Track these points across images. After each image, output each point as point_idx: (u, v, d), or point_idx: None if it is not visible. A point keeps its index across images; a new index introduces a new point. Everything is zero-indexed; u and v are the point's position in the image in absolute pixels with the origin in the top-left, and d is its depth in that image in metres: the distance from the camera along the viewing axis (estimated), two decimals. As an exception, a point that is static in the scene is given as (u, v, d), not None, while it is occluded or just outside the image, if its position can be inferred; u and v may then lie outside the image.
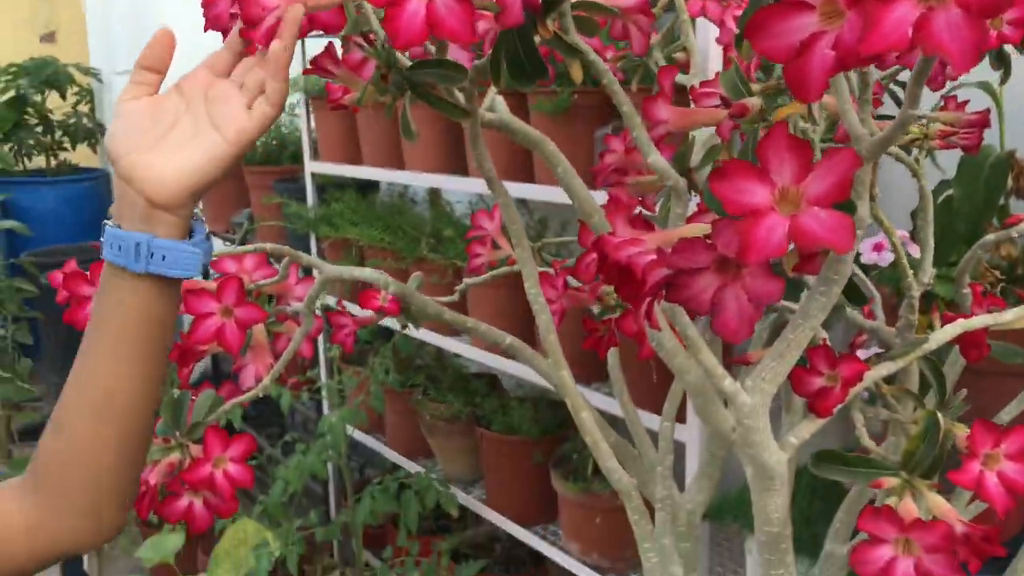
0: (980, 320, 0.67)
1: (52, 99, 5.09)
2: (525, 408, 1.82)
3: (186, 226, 0.63)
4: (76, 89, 5.14)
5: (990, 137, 1.17)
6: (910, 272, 0.73)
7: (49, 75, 4.96)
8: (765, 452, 0.65)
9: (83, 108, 5.22)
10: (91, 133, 5.20)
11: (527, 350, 0.97)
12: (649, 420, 1.16)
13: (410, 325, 1.08)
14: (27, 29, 6.57)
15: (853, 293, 0.70)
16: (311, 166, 2.31)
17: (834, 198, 0.43)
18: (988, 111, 0.98)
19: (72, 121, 5.14)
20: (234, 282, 0.82)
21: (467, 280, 1.17)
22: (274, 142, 2.93)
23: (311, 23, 0.64)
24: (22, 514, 0.64)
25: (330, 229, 2.10)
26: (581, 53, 0.60)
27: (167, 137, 0.62)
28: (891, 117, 0.95)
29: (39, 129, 5.04)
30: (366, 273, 0.94)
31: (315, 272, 0.93)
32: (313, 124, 2.29)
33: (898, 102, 1.03)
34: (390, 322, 2.02)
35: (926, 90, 0.71)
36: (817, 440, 0.70)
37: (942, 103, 1.04)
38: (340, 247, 2.16)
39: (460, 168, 1.82)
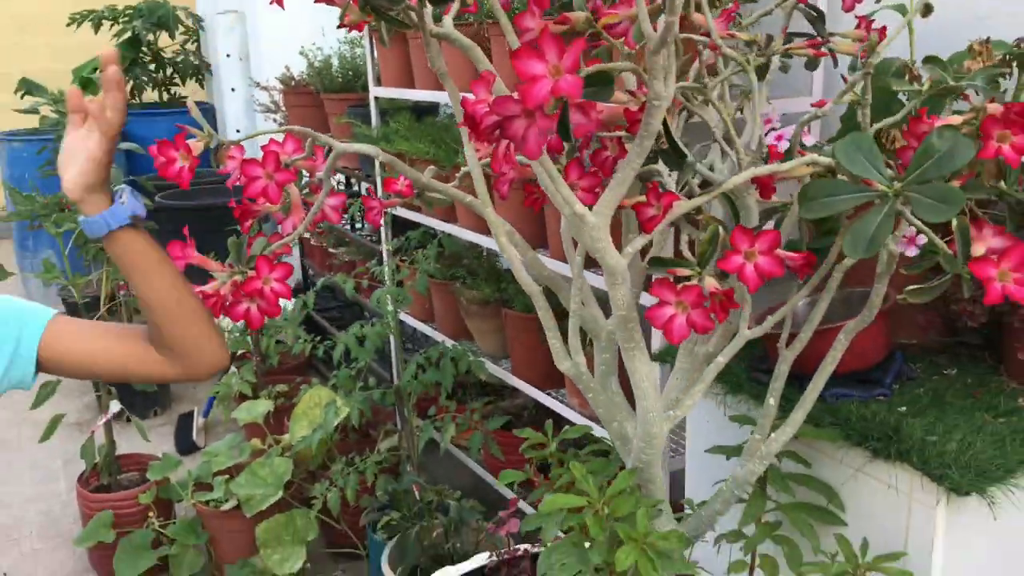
0: (766, 168, 0.97)
1: (163, 39, 5.59)
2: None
3: (98, 203, 1.07)
4: (183, 29, 5.62)
5: (903, 51, 1.42)
6: (740, 148, 1.03)
7: (160, 17, 5.44)
8: (609, 256, 0.98)
9: (190, 47, 5.72)
10: (197, 69, 5.70)
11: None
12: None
13: (446, 228, 1.42)
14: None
15: (671, 157, 1.00)
16: (374, 91, 2.67)
17: (574, 69, 0.74)
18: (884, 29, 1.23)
19: (180, 59, 5.65)
20: (273, 155, 1.18)
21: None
22: (350, 72, 3.30)
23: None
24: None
25: (387, 144, 2.45)
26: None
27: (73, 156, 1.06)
28: (805, 34, 1.22)
29: (152, 66, 5.56)
30: (364, 148, 1.28)
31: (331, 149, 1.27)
32: (376, 55, 2.64)
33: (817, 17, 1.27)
34: (435, 223, 2.37)
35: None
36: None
37: (858, 24, 1.30)
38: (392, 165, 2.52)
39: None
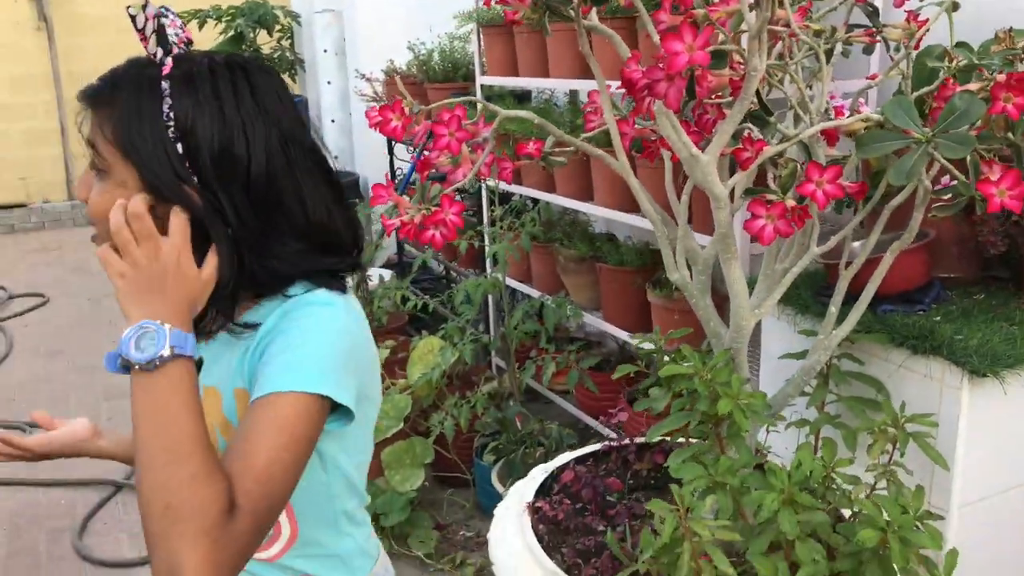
0: (832, 123, 1.32)
1: (261, 36, 6.08)
2: (631, 249, 2.53)
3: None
4: (280, 27, 6.11)
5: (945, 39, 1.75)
6: (812, 111, 1.39)
7: (260, 15, 5.93)
8: (715, 187, 1.34)
9: (285, 43, 6.20)
10: (291, 64, 6.18)
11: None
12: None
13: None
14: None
15: (760, 116, 1.36)
16: (481, 79, 3.06)
17: (704, 47, 1.10)
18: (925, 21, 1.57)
19: (277, 54, 6.14)
20: (455, 118, 1.57)
21: (583, 135, 1.87)
22: (449, 64, 3.70)
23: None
24: None
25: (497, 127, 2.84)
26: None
27: None
28: (863, 25, 1.57)
29: (252, 62, 6.06)
30: (524, 114, 1.65)
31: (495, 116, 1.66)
32: (483, 47, 3.03)
33: (873, 11, 1.61)
34: (538, 193, 2.74)
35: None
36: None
37: (906, 17, 1.64)
38: (499, 141, 2.91)
39: (590, 73, 2.51)
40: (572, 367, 2.59)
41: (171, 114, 0.90)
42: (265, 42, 6.10)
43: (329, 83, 5.40)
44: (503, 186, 3.01)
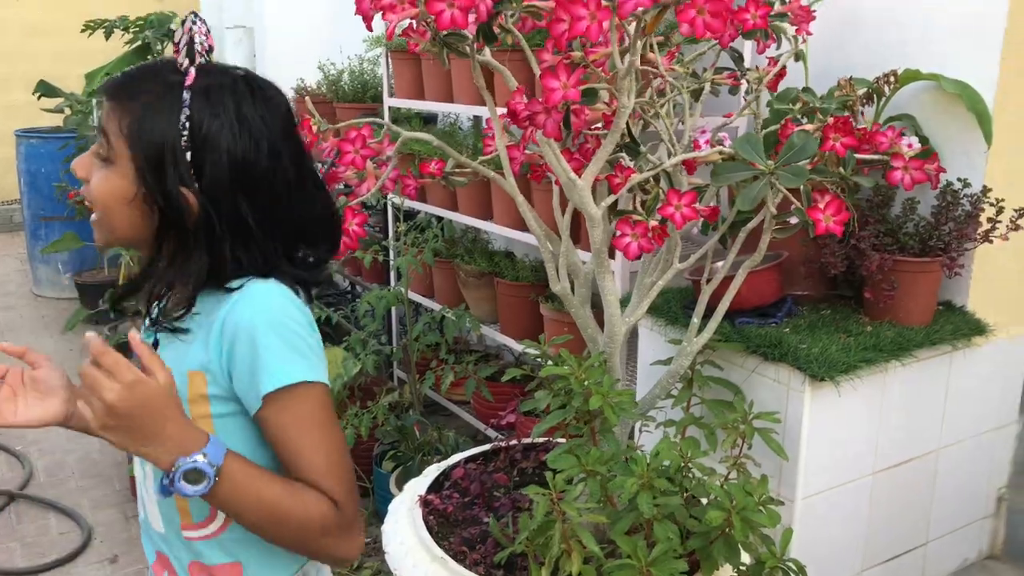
0: (690, 154, 1.51)
1: (169, 48, 6.05)
2: (527, 266, 2.70)
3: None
4: (189, 41, 6.09)
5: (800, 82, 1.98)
6: (676, 145, 1.57)
7: (169, 28, 5.91)
8: (590, 207, 1.51)
9: (195, 57, 6.18)
10: (200, 79, 6.16)
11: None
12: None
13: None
14: (141, -14, 7.54)
15: (631, 147, 1.54)
16: (388, 101, 3.19)
17: (576, 85, 1.26)
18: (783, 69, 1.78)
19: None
20: (361, 137, 1.70)
21: (481, 158, 2.02)
22: (358, 85, 3.82)
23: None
24: None
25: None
26: (508, 32, 1.45)
27: None
28: (730, 68, 1.77)
29: (160, 74, 6.01)
30: (423, 135, 1.79)
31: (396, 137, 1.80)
32: (391, 70, 3.16)
33: (738, 57, 1.82)
34: (441, 211, 2.87)
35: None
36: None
37: (767, 62, 1.85)
38: (406, 159, 3.05)
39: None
40: (470, 377, 2.73)
41: (187, 123, 0.98)
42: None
43: (239, 98, 5.42)
44: (408, 203, 3.14)
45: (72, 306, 4.98)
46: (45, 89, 5.58)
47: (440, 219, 3.03)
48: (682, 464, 1.50)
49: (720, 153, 1.52)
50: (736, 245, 1.66)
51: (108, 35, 5.91)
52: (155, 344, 1.04)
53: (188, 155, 0.98)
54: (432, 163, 1.93)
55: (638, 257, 1.46)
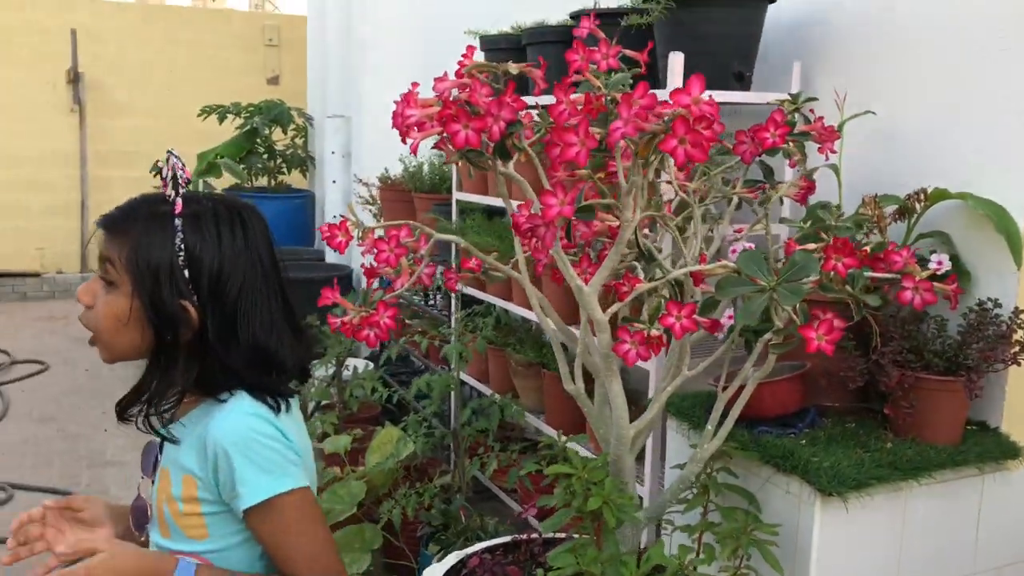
0: (696, 267, 1.56)
1: (276, 133, 6.49)
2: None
3: None
4: (294, 127, 6.52)
5: (834, 196, 2.01)
6: (688, 258, 1.64)
7: (276, 114, 6.35)
8: (596, 313, 1.58)
9: (298, 142, 6.61)
10: (302, 161, 6.57)
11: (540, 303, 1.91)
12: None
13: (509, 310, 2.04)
14: (258, 73, 8.15)
15: (647, 257, 1.61)
16: (456, 195, 3.36)
17: (571, 203, 1.35)
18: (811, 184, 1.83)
19: (290, 152, 6.54)
20: (395, 237, 1.83)
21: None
22: (436, 177, 4.02)
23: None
24: None
25: (464, 236, 3.12)
26: (521, 150, 1.56)
27: None
28: (758, 181, 1.83)
29: (265, 156, 6.45)
30: (451, 237, 1.91)
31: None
32: (459, 166, 3.34)
33: (767, 171, 1.87)
34: (497, 300, 2.98)
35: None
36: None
37: (800, 176, 1.91)
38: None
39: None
40: (513, 464, 2.78)
41: (182, 245, 1.15)
42: (279, 139, 6.50)
43: (334, 182, 5.76)
44: (470, 291, 3.27)
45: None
46: (159, 169, 6.06)
47: (494, 308, 3.13)
48: (679, 570, 1.52)
49: (724, 267, 1.57)
50: (753, 355, 1.69)
51: (221, 120, 6.41)
52: (162, 446, 1.23)
53: (185, 272, 1.14)
54: (472, 260, 2.04)
55: (636, 363, 1.51)
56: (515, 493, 3.16)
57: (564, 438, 1.80)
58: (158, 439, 1.25)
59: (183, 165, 1.23)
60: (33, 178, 7.52)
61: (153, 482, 1.29)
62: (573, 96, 1.37)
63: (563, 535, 2.03)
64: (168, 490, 1.22)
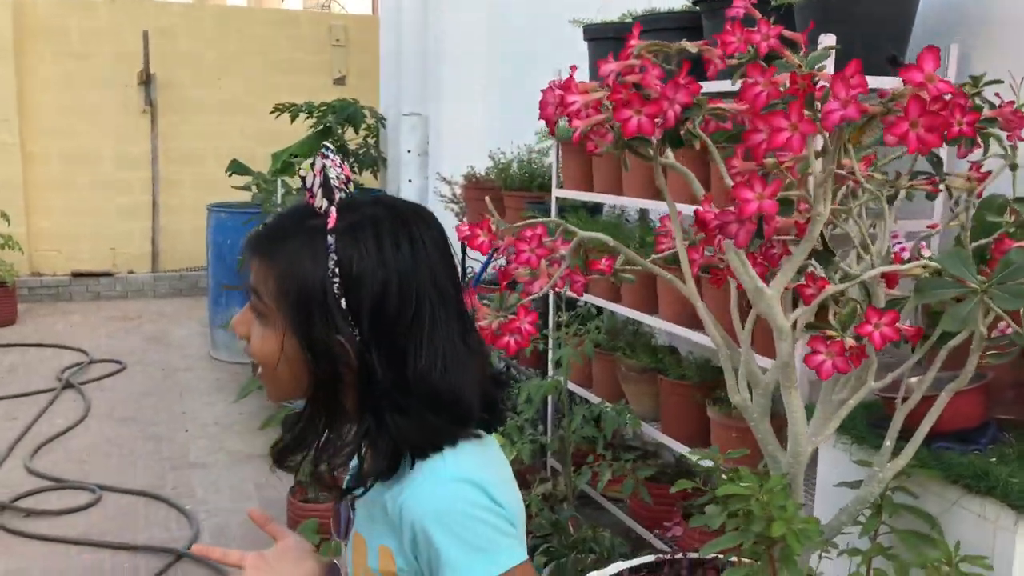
0: (892, 267, 1.40)
1: (348, 133, 6.42)
2: (692, 364, 2.61)
3: None
4: (366, 126, 6.45)
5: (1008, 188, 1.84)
6: (873, 252, 1.48)
7: (349, 114, 6.28)
8: (778, 319, 1.43)
9: (370, 141, 6.54)
10: (374, 161, 6.50)
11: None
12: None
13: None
14: (324, 73, 8.13)
15: (823, 255, 1.45)
16: (556, 192, 3.22)
17: (773, 196, 1.21)
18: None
19: (362, 151, 6.46)
20: (536, 237, 1.70)
21: (654, 256, 1.98)
22: (526, 174, 3.89)
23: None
24: None
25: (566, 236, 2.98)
26: (696, 137, 1.42)
27: None
28: (928, 173, 1.67)
29: (339, 155, 6.37)
30: (600, 236, 1.77)
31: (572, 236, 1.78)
32: (560, 161, 3.20)
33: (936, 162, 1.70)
34: (603, 303, 2.84)
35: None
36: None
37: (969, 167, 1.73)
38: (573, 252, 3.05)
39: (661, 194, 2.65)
40: (628, 476, 2.64)
41: (336, 269, 0.92)
42: (351, 139, 6.44)
43: (410, 181, 5.67)
44: (570, 293, 3.13)
45: (245, 371, 5.24)
46: (236, 168, 6.03)
47: (600, 310, 2.99)
48: (874, 606, 1.36)
49: (925, 267, 1.41)
50: (937, 363, 1.53)
51: (293, 118, 6.36)
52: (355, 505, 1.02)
53: (343, 301, 0.93)
54: (603, 260, 1.90)
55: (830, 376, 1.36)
56: (621, 504, 3.01)
57: (720, 457, 1.65)
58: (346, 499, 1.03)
59: (341, 162, 1.00)
60: (107, 179, 7.58)
61: (346, 544, 1.07)
62: (773, 77, 1.22)
63: (709, 556, 1.88)
64: (364, 562, 1.01)
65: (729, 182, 1.39)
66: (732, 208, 1.25)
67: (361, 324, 0.93)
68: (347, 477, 1.07)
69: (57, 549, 3.23)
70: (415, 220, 0.98)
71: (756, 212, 1.23)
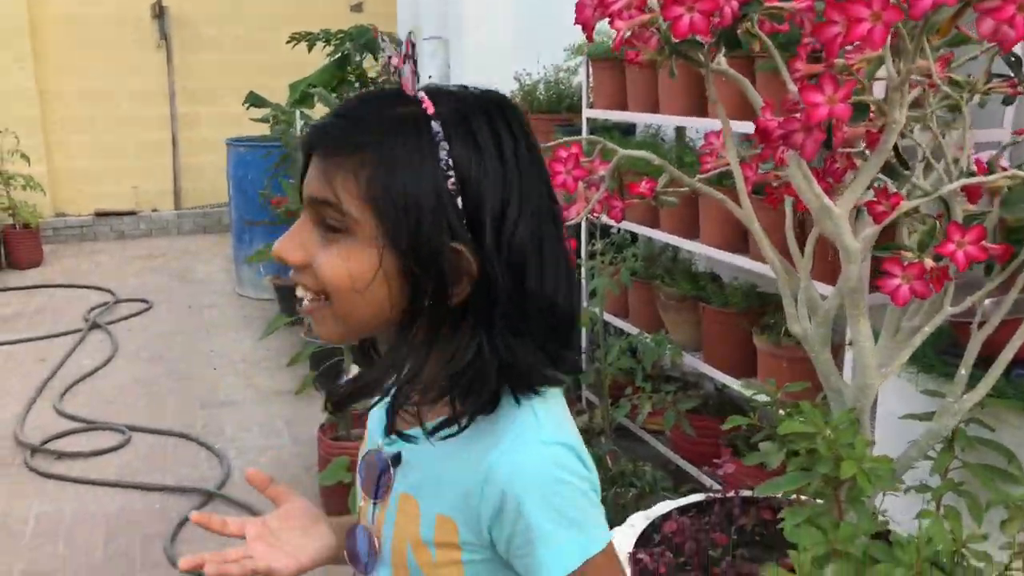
0: (975, 179, 1.25)
1: (367, 61, 6.21)
2: (737, 291, 2.47)
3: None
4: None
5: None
6: (948, 163, 1.32)
7: (367, 40, 6.06)
8: (847, 239, 1.28)
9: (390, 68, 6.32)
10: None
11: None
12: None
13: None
14: (341, 0, 7.88)
15: (895, 169, 1.30)
16: (587, 112, 3.05)
17: (846, 100, 1.05)
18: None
19: (382, 79, 6.26)
20: (574, 157, 1.55)
21: (699, 176, 1.83)
22: (553, 95, 3.71)
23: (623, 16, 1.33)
24: None
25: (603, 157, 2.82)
26: (754, 37, 1.25)
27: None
28: (1004, 75, 1.49)
29: (356, 84, 6.19)
30: (642, 154, 1.62)
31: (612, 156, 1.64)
32: (591, 80, 3.02)
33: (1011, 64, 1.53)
34: (640, 228, 2.69)
35: None
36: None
37: None
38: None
39: (701, 110, 2.47)
40: (669, 408, 2.54)
41: (450, 161, 0.76)
42: (371, 67, 6.24)
43: (431, 108, 5.47)
44: (604, 219, 2.99)
45: (272, 307, 5.18)
46: (254, 100, 5.87)
47: (636, 237, 2.85)
48: (955, 549, 1.25)
49: (1011, 178, 1.25)
50: (1018, 285, 1.38)
51: (311, 47, 6.15)
52: (397, 459, 0.85)
53: (459, 200, 0.76)
54: (643, 182, 1.76)
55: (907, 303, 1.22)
56: (660, 436, 2.92)
57: (777, 392, 1.53)
58: (384, 450, 0.87)
59: (414, 46, 0.82)
60: (124, 115, 7.45)
61: (373, 504, 0.90)
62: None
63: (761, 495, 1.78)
64: (414, 530, 0.85)
65: (793, 88, 1.23)
66: (798, 115, 1.09)
67: (480, 227, 0.76)
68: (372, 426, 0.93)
69: (88, 491, 3.21)
70: (519, 113, 0.82)
71: (827, 117, 1.08)
